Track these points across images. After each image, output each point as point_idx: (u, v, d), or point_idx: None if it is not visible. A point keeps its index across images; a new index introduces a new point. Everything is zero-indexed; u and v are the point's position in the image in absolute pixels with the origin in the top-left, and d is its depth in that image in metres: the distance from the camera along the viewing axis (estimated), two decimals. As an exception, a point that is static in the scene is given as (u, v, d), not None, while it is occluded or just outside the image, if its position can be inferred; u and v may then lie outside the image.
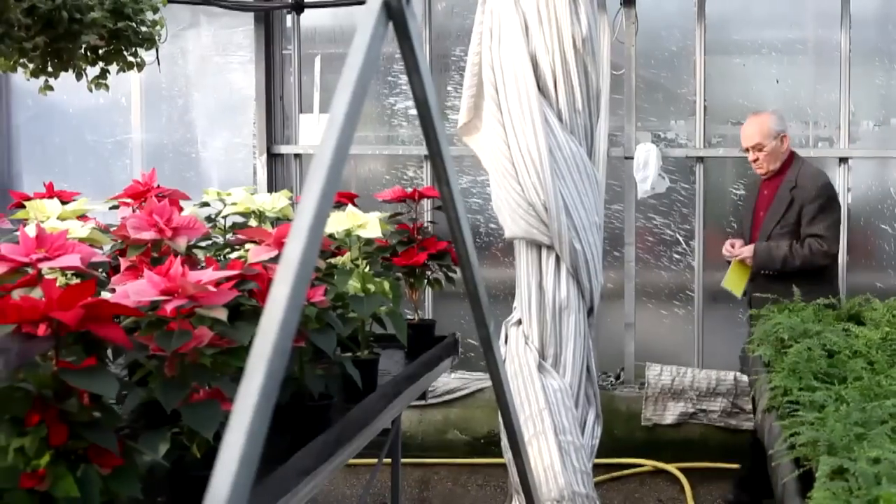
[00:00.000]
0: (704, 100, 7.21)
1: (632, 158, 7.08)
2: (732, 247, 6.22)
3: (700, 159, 7.26)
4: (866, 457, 3.00)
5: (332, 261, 3.49)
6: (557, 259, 4.28)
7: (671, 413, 7.23)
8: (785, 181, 6.02)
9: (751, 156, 6.12)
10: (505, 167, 4.29)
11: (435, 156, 1.84)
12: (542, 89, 4.28)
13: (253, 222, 3.91)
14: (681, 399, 7.19)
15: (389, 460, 4.84)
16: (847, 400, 3.63)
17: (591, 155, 4.43)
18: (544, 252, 4.30)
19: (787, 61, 7.26)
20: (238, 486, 1.03)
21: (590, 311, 4.43)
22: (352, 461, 3.87)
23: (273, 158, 7.91)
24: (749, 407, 6.82)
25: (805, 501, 2.91)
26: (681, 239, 7.42)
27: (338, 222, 3.47)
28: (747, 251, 6.07)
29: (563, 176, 4.23)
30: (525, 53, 4.24)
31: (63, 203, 3.56)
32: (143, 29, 4.48)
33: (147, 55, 4.72)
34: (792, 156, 6.13)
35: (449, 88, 7.59)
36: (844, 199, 7.04)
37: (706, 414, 7.18)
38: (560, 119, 4.30)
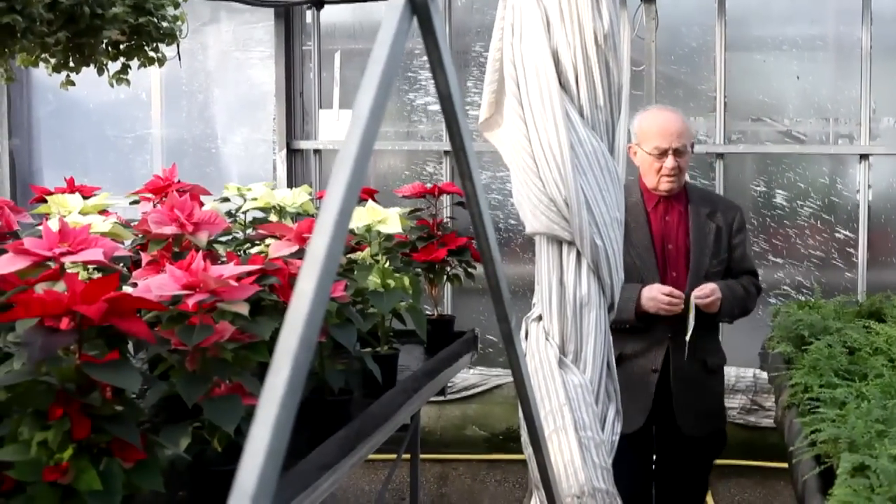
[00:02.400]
0: (725, 96, 7.18)
1: (651, 155, 7.06)
2: (671, 295, 4.71)
3: (720, 156, 7.24)
4: (888, 454, 2.99)
5: (353, 256, 3.50)
6: (578, 255, 4.26)
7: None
8: (692, 206, 4.88)
9: (669, 162, 4.74)
10: (526, 163, 4.27)
11: (458, 151, 1.84)
12: (563, 85, 4.26)
13: (273, 217, 3.92)
14: (700, 396, 7.18)
15: (408, 456, 4.85)
16: (868, 397, 3.63)
17: (612, 151, 4.42)
18: (565, 248, 4.28)
19: (807, 58, 7.23)
20: (264, 479, 1.03)
21: (610, 308, 4.41)
22: (371, 457, 3.87)
23: (293, 154, 7.92)
24: (769, 404, 6.80)
25: (826, 498, 2.90)
26: (700, 235, 7.41)
27: (358, 218, 3.47)
28: (710, 292, 4.71)
29: (584, 172, 4.21)
30: (546, 49, 4.23)
31: (84, 198, 3.56)
32: (165, 24, 4.50)
33: (168, 50, 4.74)
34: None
35: (469, 84, 7.59)
36: (865, 197, 7.01)
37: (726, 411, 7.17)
38: (581, 115, 4.29)
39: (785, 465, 3.81)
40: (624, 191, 4.07)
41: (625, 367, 4.70)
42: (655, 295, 4.69)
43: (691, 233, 4.82)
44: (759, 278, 5.13)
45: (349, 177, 1.28)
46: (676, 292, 4.67)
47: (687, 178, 4.99)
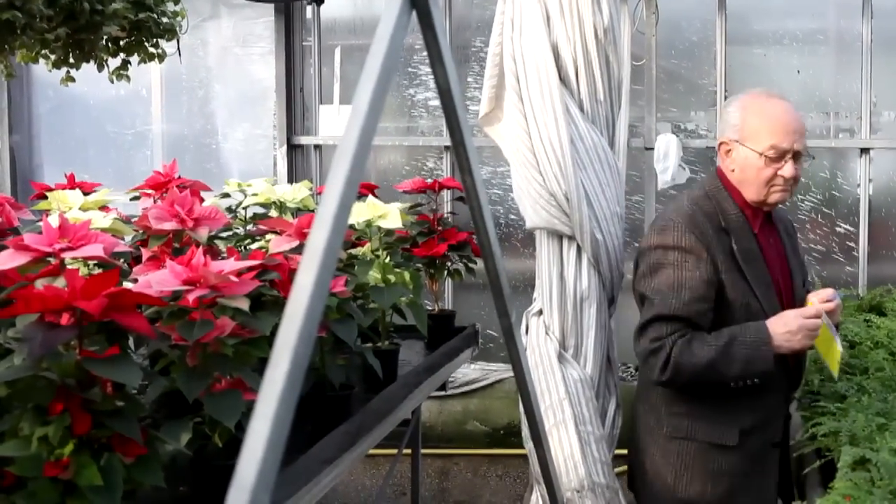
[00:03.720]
0: (725, 90, 7.18)
1: (652, 149, 7.06)
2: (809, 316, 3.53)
3: (721, 150, 7.24)
4: (888, 447, 2.99)
5: (353, 251, 3.50)
6: (578, 249, 4.26)
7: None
8: (777, 220, 3.85)
9: (788, 169, 3.55)
10: (526, 157, 4.28)
11: (458, 145, 1.84)
12: (563, 79, 4.27)
13: (274, 213, 3.92)
14: (701, 390, 7.18)
15: (409, 451, 4.85)
16: (868, 391, 3.63)
17: (613, 145, 4.42)
18: (565, 242, 4.29)
19: (808, 52, 7.23)
20: (264, 473, 1.03)
21: (611, 302, 4.42)
22: (372, 452, 3.87)
23: (293, 149, 7.92)
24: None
25: (827, 492, 2.90)
26: (701, 230, 7.41)
27: (358, 213, 3.47)
28: (831, 294, 3.61)
29: (584, 166, 4.22)
30: (546, 43, 4.23)
31: (84, 194, 3.57)
32: (165, 20, 4.50)
33: (168, 46, 4.74)
34: None
35: (469, 80, 7.58)
36: (865, 191, 7.01)
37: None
38: (581, 109, 4.29)
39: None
40: (713, 206, 3.62)
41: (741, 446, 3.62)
42: (791, 323, 3.46)
43: (789, 256, 3.77)
44: None
45: (348, 171, 1.28)
46: (810, 309, 3.51)
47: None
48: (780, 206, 3.73)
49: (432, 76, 1.77)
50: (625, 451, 4.01)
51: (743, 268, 3.52)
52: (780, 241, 3.74)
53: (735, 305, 3.50)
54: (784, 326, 3.42)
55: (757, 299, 3.52)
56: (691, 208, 3.61)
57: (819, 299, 3.49)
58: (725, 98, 7.15)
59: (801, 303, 3.59)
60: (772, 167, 3.51)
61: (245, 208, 4.02)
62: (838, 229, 7.10)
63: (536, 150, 4.24)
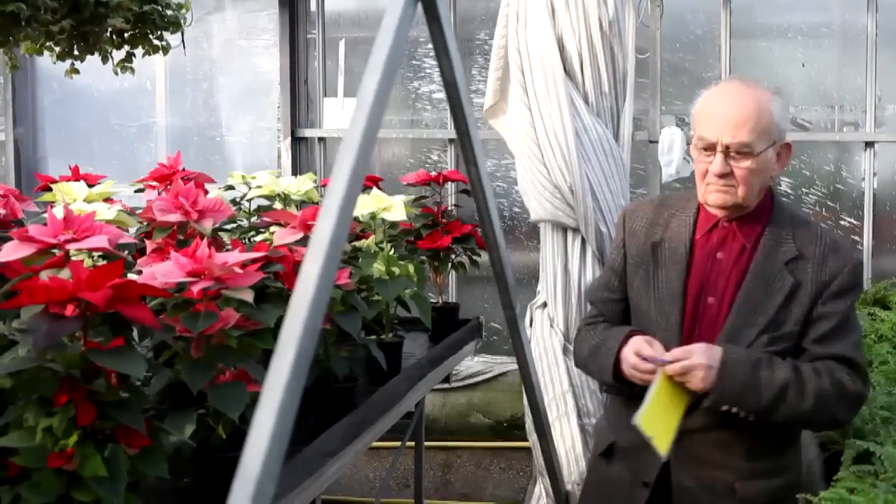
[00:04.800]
0: (730, 84, 7.16)
1: (656, 142, 7.04)
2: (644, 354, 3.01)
3: (725, 143, 7.22)
4: (892, 440, 3.00)
5: (357, 244, 3.50)
6: (583, 242, 4.27)
7: (695, 397, 7.19)
8: (767, 239, 3.05)
9: (715, 165, 2.96)
10: (531, 150, 4.28)
11: (463, 137, 1.84)
12: (568, 72, 4.27)
13: (278, 205, 3.92)
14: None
15: (413, 443, 4.85)
16: (873, 384, 3.63)
17: (617, 138, 4.42)
18: (570, 235, 4.29)
19: (812, 45, 7.21)
20: (269, 463, 1.03)
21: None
22: (375, 444, 3.88)
23: (297, 142, 7.92)
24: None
25: (831, 485, 2.90)
26: (705, 223, 7.39)
27: (363, 205, 3.47)
28: (698, 354, 2.91)
29: (589, 159, 4.22)
30: (551, 36, 4.23)
31: (89, 186, 3.57)
32: (169, 12, 4.50)
33: (172, 39, 4.74)
34: (771, 193, 3.16)
35: (474, 72, 7.57)
36: (870, 184, 7.00)
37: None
38: (586, 102, 4.29)
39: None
40: (679, 202, 3.20)
41: (606, 468, 3.30)
42: (627, 355, 3.05)
43: (745, 283, 3.01)
44: (866, 376, 3.05)
45: (354, 162, 1.28)
46: (656, 356, 2.98)
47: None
48: (827, 249, 3.03)
49: (437, 69, 1.77)
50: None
51: (651, 269, 3.14)
52: (742, 261, 3.05)
53: (632, 304, 3.23)
54: (630, 347, 3.06)
55: (651, 307, 3.13)
56: (661, 197, 3.40)
57: (671, 355, 2.94)
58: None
59: (729, 338, 2.97)
60: (704, 162, 3.01)
61: (249, 201, 4.01)
62: (843, 223, 7.09)
63: (541, 143, 4.24)
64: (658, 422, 2.86)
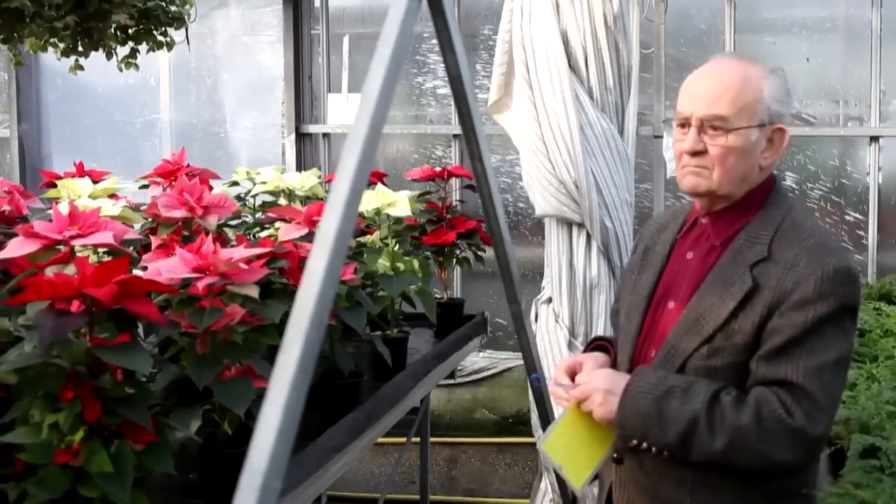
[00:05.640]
0: (734, 78, 7.15)
1: (661, 137, 7.04)
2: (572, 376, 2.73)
3: (729, 138, 7.21)
4: (899, 435, 2.99)
5: (362, 239, 3.50)
6: (588, 237, 4.27)
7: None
8: (741, 238, 2.58)
9: (688, 141, 2.56)
10: (536, 145, 4.28)
11: (468, 132, 1.84)
12: (573, 67, 4.27)
13: (283, 201, 3.92)
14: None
15: (418, 439, 4.85)
16: (879, 378, 3.63)
17: (623, 133, 4.42)
18: (575, 230, 4.29)
19: (817, 39, 7.20)
20: (276, 458, 1.03)
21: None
22: (381, 440, 3.88)
23: (302, 138, 7.92)
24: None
25: (837, 479, 2.90)
26: (710, 218, 7.37)
27: (367, 201, 3.47)
28: (597, 379, 2.62)
29: (594, 153, 4.22)
30: (556, 31, 4.23)
31: (93, 182, 3.57)
32: (173, 8, 4.50)
33: (176, 35, 4.74)
34: (772, 182, 2.67)
35: (478, 67, 7.56)
36: (875, 179, 6.99)
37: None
38: (591, 96, 4.29)
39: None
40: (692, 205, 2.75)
41: None
42: (557, 374, 2.76)
43: (702, 286, 2.58)
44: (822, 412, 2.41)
45: (359, 157, 1.28)
46: (573, 365, 2.75)
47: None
48: (807, 254, 2.46)
49: (441, 64, 1.77)
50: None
51: (636, 274, 2.81)
52: (707, 263, 2.62)
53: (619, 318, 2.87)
54: (558, 372, 2.77)
55: (623, 314, 2.81)
56: (685, 203, 2.90)
57: (576, 386, 2.66)
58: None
59: (666, 352, 2.57)
60: (679, 140, 2.63)
61: (254, 196, 4.02)
62: (847, 217, 7.08)
63: (546, 138, 4.24)
64: (570, 451, 2.64)
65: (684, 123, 2.58)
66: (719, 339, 2.48)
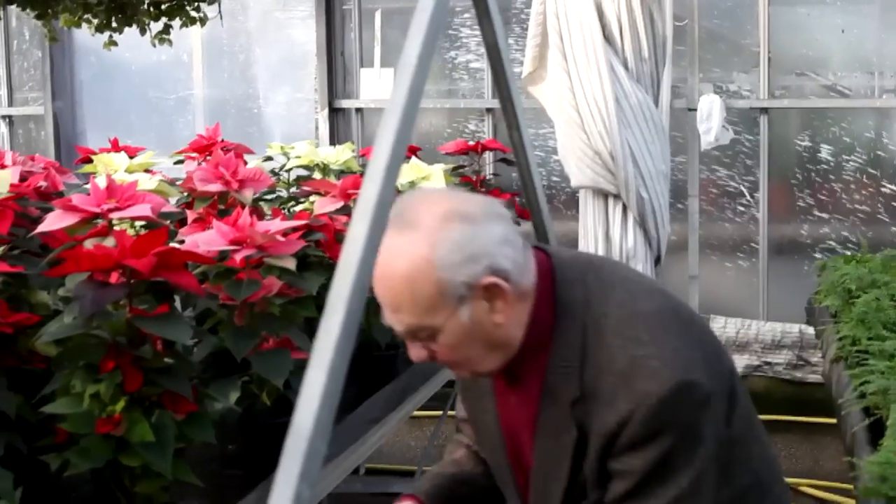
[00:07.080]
0: (768, 51, 7.10)
1: (695, 110, 6.99)
2: None
3: (764, 110, 7.16)
4: (938, 404, 2.97)
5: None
6: (624, 208, 4.25)
7: (736, 366, 7.17)
8: (551, 375, 2.08)
9: (414, 353, 2.02)
10: (571, 116, 4.26)
11: (505, 101, 1.83)
12: (607, 37, 4.25)
13: (317, 175, 3.93)
14: (745, 351, 7.13)
15: (454, 412, 4.86)
16: (914, 347, 3.61)
17: (657, 103, 4.40)
18: (611, 201, 4.28)
19: (852, 11, 7.13)
20: (321, 421, 1.04)
21: (657, 261, 4.40)
22: (416, 413, 3.88)
23: (335, 113, 7.91)
24: (815, 359, 6.75)
25: (876, 449, 2.89)
26: (745, 191, 7.32)
27: (402, 174, 3.47)
28: None
29: (629, 124, 4.20)
30: (590, 1, 4.21)
31: (129, 158, 3.59)
32: (206, -17, 4.50)
33: (209, 10, 4.74)
34: (549, 298, 2.07)
35: (511, 41, 7.53)
36: (910, 150, 6.95)
37: (771, 367, 7.11)
38: (626, 67, 4.27)
39: (831, 420, 3.78)
40: None
41: None
42: None
43: (536, 443, 2.18)
44: None
45: (399, 124, 1.28)
46: None
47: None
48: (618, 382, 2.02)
49: (474, 38, 1.76)
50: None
51: (479, 418, 2.38)
52: (526, 409, 2.17)
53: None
54: None
55: (487, 447, 2.41)
56: None
57: None
58: (769, 59, 7.08)
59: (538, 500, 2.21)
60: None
61: (288, 171, 4.02)
62: (884, 189, 7.02)
63: (581, 109, 4.22)
64: None
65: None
66: (574, 491, 2.12)
